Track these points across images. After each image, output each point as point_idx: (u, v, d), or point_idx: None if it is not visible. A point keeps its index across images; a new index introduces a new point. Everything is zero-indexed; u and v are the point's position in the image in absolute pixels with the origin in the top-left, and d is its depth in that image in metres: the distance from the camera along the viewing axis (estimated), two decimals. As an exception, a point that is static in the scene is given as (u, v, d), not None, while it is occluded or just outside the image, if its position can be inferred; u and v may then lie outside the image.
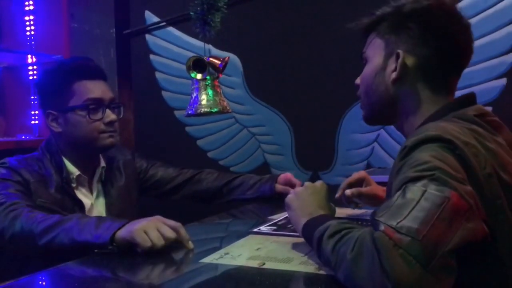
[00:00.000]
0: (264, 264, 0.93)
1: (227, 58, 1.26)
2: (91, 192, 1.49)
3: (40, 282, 0.98)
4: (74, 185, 1.44)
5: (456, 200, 0.73)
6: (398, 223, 0.71)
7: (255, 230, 1.20)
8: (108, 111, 1.44)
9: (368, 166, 2.23)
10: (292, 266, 0.92)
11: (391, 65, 1.00)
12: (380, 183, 1.89)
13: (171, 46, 2.56)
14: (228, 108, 1.51)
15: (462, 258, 0.73)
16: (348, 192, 1.32)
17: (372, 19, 1.06)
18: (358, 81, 1.10)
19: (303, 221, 0.97)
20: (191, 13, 1.18)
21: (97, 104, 1.42)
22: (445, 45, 0.98)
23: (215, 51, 2.39)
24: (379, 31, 1.04)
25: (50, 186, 1.39)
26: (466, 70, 1.05)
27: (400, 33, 1.00)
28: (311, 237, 0.90)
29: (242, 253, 1.02)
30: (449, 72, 1.01)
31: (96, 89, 1.43)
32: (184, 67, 2.33)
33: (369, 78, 1.05)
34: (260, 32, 2.38)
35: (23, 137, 2.55)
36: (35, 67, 2.58)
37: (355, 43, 2.24)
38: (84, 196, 1.45)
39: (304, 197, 1.05)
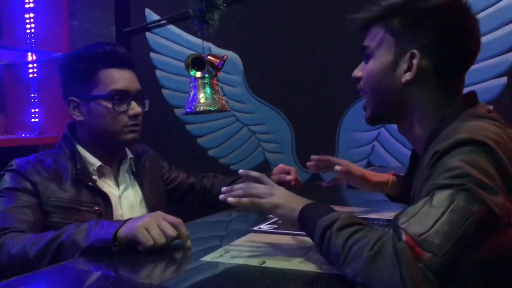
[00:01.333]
0: (264, 262, 0.93)
1: (225, 56, 1.26)
2: (117, 184, 1.42)
3: (40, 281, 0.98)
4: (95, 177, 1.37)
5: (484, 214, 0.70)
6: (420, 236, 0.69)
7: (255, 228, 1.20)
8: (133, 103, 1.36)
9: (369, 164, 2.22)
10: (292, 264, 0.92)
11: (403, 64, 0.95)
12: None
13: (171, 44, 2.56)
14: (226, 106, 1.51)
15: (497, 273, 0.71)
16: (337, 168, 1.34)
17: (380, 12, 0.99)
18: (358, 74, 1.04)
19: (297, 209, 0.96)
20: (190, 10, 1.17)
21: (123, 96, 1.34)
22: (460, 43, 0.94)
23: (215, 49, 2.39)
24: (388, 25, 0.97)
25: (66, 180, 1.31)
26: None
27: (414, 31, 0.94)
28: (313, 224, 0.89)
29: (243, 251, 1.02)
30: (461, 70, 0.97)
31: (123, 79, 1.35)
32: (183, 65, 2.32)
33: (376, 76, 0.99)
34: (261, 30, 2.38)
35: (23, 135, 2.54)
36: (35, 64, 2.58)
37: (356, 41, 2.23)
38: (108, 188, 1.38)
39: (285, 194, 1.02)
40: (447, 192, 0.72)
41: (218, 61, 1.29)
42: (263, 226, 1.21)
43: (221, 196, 1.07)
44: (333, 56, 2.23)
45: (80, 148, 1.38)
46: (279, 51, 2.34)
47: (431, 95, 0.95)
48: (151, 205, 1.45)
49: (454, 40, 0.94)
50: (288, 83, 2.33)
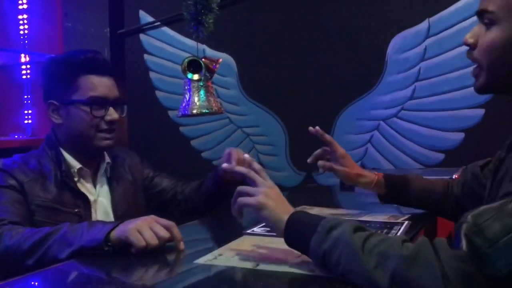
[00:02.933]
0: (258, 265, 0.93)
1: (220, 59, 1.26)
2: (95, 187, 1.45)
3: (33, 283, 0.97)
4: (76, 178, 1.40)
5: None
6: (489, 247, 0.68)
7: (248, 231, 1.20)
8: (111, 109, 1.41)
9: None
10: (286, 267, 0.92)
11: None
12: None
13: (165, 46, 2.56)
14: (221, 109, 1.51)
15: None
16: (321, 164, 1.34)
17: None
18: (472, 39, 0.93)
19: (285, 216, 0.92)
20: (184, 13, 1.18)
21: (101, 102, 1.39)
22: None
23: (209, 51, 2.39)
24: None
25: (49, 181, 1.35)
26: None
27: None
28: (313, 224, 0.86)
29: (236, 254, 1.01)
30: None
31: (101, 86, 1.40)
32: (178, 67, 2.32)
33: (502, 47, 0.88)
34: (255, 33, 2.38)
35: (16, 136, 2.53)
36: (28, 66, 2.57)
37: (350, 43, 2.25)
38: (87, 191, 1.42)
39: (275, 197, 0.96)
40: None
41: (214, 64, 1.29)
42: (257, 229, 1.21)
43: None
44: (327, 59, 2.24)
45: (62, 151, 1.42)
46: (273, 53, 2.35)
47: None
48: (119, 214, 1.45)
49: None
50: (282, 85, 2.34)
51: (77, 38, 2.55)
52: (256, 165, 1.01)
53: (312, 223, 0.88)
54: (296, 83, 2.31)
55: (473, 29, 0.94)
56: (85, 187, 1.43)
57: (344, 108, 2.22)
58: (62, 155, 1.41)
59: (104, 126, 1.40)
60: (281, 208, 0.94)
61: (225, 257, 1.00)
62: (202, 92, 1.22)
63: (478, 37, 0.92)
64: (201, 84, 1.22)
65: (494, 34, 0.89)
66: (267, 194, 0.95)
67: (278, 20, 2.33)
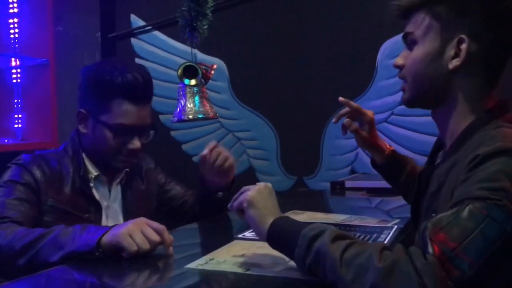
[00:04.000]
0: (249, 270, 0.94)
1: (214, 65, 1.27)
2: (109, 192, 1.45)
3: (23, 289, 0.97)
4: (92, 184, 1.40)
5: None
6: (453, 250, 0.69)
7: (239, 236, 1.20)
8: (135, 138, 1.37)
9: (352, 171, 2.24)
10: (277, 272, 0.93)
11: (450, 50, 0.93)
12: (361, 189, 1.92)
13: (156, 50, 2.56)
14: (216, 115, 1.50)
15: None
16: (347, 121, 1.31)
17: None
18: (400, 62, 1.01)
19: (269, 219, 0.92)
20: (178, 19, 1.18)
21: (127, 130, 1.35)
22: (508, 31, 0.92)
23: (201, 55, 2.40)
24: (434, 11, 0.95)
25: (66, 183, 1.35)
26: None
27: (461, 16, 0.92)
28: (294, 235, 0.86)
29: (227, 258, 1.02)
30: (504, 62, 0.95)
31: (133, 115, 1.35)
32: (169, 71, 2.32)
33: (422, 62, 0.96)
34: (246, 38, 2.39)
35: (6, 141, 2.51)
36: (18, 70, 2.55)
37: (341, 49, 2.26)
38: (101, 197, 1.42)
39: (266, 196, 0.97)
40: (482, 205, 0.72)
41: (209, 70, 1.29)
42: (247, 234, 1.22)
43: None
44: (318, 64, 2.25)
45: (84, 155, 1.41)
46: (264, 58, 2.36)
47: (476, 82, 0.94)
48: (131, 218, 1.43)
49: (501, 26, 0.92)
50: (274, 90, 2.35)
51: (68, 42, 2.54)
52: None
53: (293, 233, 0.87)
54: (288, 88, 2.32)
55: (401, 53, 1.02)
56: (100, 193, 1.42)
57: (335, 113, 2.22)
58: (83, 159, 1.39)
59: (124, 152, 1.38)
60: (268, 210, 0.94)
61: (216, 261, 1.00)
62: (197, 97, 1.22)
63: (405, 59, 1.00)
64: (196, 90, 1.22)
65: (416, 51, 0.98)
66: (259, 191, 0.97)
67: (269, 25, 2.34)
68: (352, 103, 1.34)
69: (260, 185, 1.00)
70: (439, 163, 1.01)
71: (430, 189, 0.98)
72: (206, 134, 2.49)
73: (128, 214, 1.45)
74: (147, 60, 2.58)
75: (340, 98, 1.33)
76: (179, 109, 1.15)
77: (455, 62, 0.93)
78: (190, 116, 1.15)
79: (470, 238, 0.70)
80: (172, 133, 2.54)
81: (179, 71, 1.18)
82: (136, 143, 1.38)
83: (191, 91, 1.20)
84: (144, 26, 2.58)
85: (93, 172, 1.40)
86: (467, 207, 0.72)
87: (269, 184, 1.01)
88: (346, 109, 1.34)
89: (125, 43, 2.62)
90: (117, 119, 1.34)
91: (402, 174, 1.33)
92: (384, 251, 0.74)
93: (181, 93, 1.24)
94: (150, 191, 1.56)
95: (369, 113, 1.33)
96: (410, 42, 0.99)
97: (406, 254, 0.72)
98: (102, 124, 1.35)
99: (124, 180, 1.48)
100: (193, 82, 1.21)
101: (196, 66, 1.18)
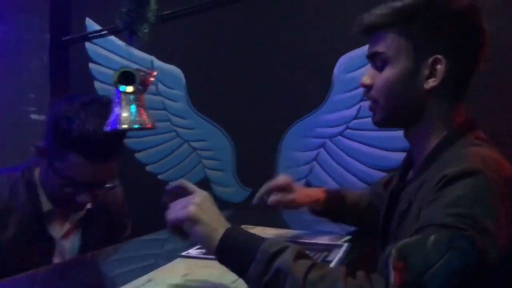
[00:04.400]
0: (188, 292, 0.90)
1: (154, 72, 1.21)
2: (62, 227, 1.35)
3: None
4: (43, 219, 1.31)
5: (481, 265, 0.70)
6: (415, 280, 0.68)
7: (183, 253, 1.16)
8: (84, 194, 1.27)
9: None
10: (217, 294, 0.89)
11: (424, 70, 0.92)
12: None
13: (111, 55, 2.49)
14: (154, 124, 1.42)
15: None
16: (273, 199, 1.29)
17: (393, 17, 0.94)
18: (368, 81, 0.99)
19: (220, 231, 0.83)
20: (117, 21, 1.12)
21: (78, 185, 1.26)
22: (479, 48, 0.93)
23: (158, 62, 2.35)
24: (406, 31, 0.93)
25: (17, 215, 1.25)
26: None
27: (435, 36, 0.92)
28: (251, 252, 0.79)
29: (167, 279, 0.97)
30: (472, 75, 0.96)
31: (87, 172, 1.24)
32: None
33: (395, 82, 0.95)
34: (204, 46, 2.35)
35: None
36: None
37: (299, 61, 2.25)
38: (53, 230, 1.33)
39: (209, 208, 0.87)
40: (446, 234, 0.71)
41: (148, 77, 1.23)
42: (192, 251, 1.17)
43: None
44: (276, 75, 2.23)
45: (39, 187, 1.31)
46: (222, 67, 2.33)
47: (450, 99, 0.94)
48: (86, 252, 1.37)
49: (474, 45, 0.93)
50: (231, 100, 2.32)
51: (11, 43, 2.42)
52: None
53: (250, 247, 0.80)
54: (245, 99, 2.29)
55: (367, 71, 1.00)
56: (52, 227, 1.33)
57: (291, 125, 2.22)
58: (38, 192, 1.30)
59: (73, 202, 1.28)
60: (216, 223, 0.84)
61: (154, 283, 0.95)
62: (133, 106, 1.15)
63: (373, 78, 0.98)
64: (133, 97, 1.15)
65: (388, 72, 0.95)
66: (200, 205, 0.86)
67: (228, 34, 2.31)
68: (270, 186, 1.32)
69: (198, 197, 0.88)
70: (409, 181, 1.00)
71: (399, 207, 0.97)
72: (161, 143, 2.43)
73: (85, 246, 1.37)
74: (101, 65, 2.50)
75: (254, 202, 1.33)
76: (113, 118, 1.08)
77: (431, 83, 0.93)
78: (125, 126, 1.08)
79: (433, 269, 0.68)
80: (125, 141, 2.45)
81: (115, 77, 1.11)
82: (85, 199, 1.28)
83: (126, 98, 1.13)
84: (99, 31, 2.50)
85: (47, 206, 1.31)
86: (432, 236, 0.71)
87: (206, 192, 0.90)
88: (262, 191, 1.33)
89: (79, 47, 2.53)
90: (69, 171, 1.23)
91: (345, 207, 1.34)
92: (348, 278, 0.72)
93: (116, 100, 1.17)
94: (112, 223, 1.47)
95: (281, 180, 1.32)
96: (380, 62, 0.97)
97: (369, 283, 0.70)
98: (53, 170, 1.26)
99: (85, 216, 1.39)
100: (129, 89, 1.15)
101: (133, 72, 1.12)
